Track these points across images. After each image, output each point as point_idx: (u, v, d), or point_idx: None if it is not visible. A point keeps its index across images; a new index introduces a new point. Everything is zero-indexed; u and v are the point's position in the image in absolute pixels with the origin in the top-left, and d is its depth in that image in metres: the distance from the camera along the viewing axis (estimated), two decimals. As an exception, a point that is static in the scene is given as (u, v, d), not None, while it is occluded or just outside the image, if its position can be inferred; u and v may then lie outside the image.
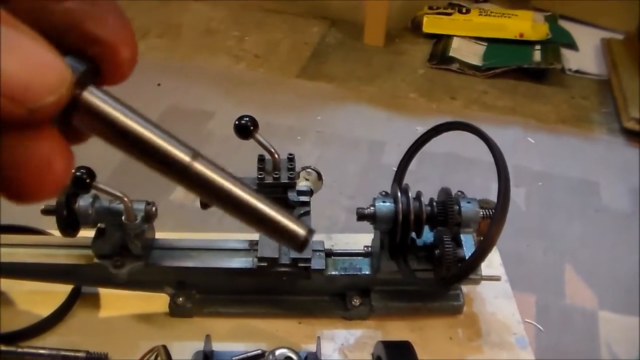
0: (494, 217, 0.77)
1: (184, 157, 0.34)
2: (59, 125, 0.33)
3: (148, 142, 0.33)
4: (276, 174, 0.85)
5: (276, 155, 0.84)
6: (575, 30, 1.98)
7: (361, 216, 0.85)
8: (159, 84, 1.57)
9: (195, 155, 0.34)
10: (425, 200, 0.86)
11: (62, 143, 0.31)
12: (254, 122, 0.80)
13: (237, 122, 0.79)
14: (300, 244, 0.36)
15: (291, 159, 0.88)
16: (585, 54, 1.89)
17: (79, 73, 0.31)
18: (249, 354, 0.82)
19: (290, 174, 0.85)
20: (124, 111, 0.33)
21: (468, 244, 0.86)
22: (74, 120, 0.33)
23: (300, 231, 0.36)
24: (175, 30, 1.88)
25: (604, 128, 1.55)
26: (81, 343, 0.87)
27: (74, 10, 0.31)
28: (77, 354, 0.85)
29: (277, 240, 0.37)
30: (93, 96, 0.32)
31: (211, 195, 0.35)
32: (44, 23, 0.30)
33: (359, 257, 0.94)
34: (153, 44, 1.80)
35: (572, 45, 1.91)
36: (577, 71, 1.79)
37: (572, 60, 1.83)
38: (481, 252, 0.79)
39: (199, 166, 0.34)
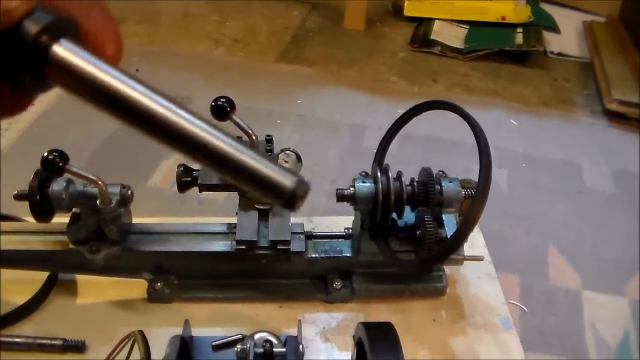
0: (476, 193, 0.76)
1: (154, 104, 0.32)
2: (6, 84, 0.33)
3: (123, 97, 0.32)
4: (254, 156, 0.83)
5: (254, 137, 0.82)
6: (557, 13, 1.98)
7: (341, 197, 0.84)
8: (137, 70, 1.55)
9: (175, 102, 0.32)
10: (406, 180, 0.85)
11: None
12: (230, 103, 0.78)
13: (213, 103, 0.78)
14: (287, 197, 0.31)
15: (269, 140, 0.86)
16: (567, 36, 1.88)
17: (45, 22, 0.32)
18: (228, 339, 0.81)
19: (269, 156, 0.84)
20: (99, 65, 0.33)
21: (450, 224, 0.85)
22: (49, 76, 0.33)
23: (286, 181, 0.31)
24: (153, 15, 1.86)
25: (587, 110, 1.54)
26: (58, 331, 0.85)
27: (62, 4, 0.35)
28: (53, 342, 0.84)
29: (260, 193, 0.32)
30: (64, 48, 0.32)
31: (182, 142, 0.32)
32: None
33: (340, 239, 0.92)
34: (131, 30, 1.77)
35: (554, 28, 1.91)
36: (559, 54, 1.78)
37: (554, 42, 1.83)
38: (462, 231, 0.78)
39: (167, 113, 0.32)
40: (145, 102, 0.32)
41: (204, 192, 0.88)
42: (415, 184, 0.85)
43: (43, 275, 0.92)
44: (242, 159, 0.31)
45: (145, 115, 0.32)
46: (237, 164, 0.31)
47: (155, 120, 0.32)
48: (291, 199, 0.31)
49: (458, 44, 1.77)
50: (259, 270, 0.92)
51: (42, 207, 0.82)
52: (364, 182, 0.84)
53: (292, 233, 0.89)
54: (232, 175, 0.32)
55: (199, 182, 0.86)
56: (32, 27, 0.31)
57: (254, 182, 0.31)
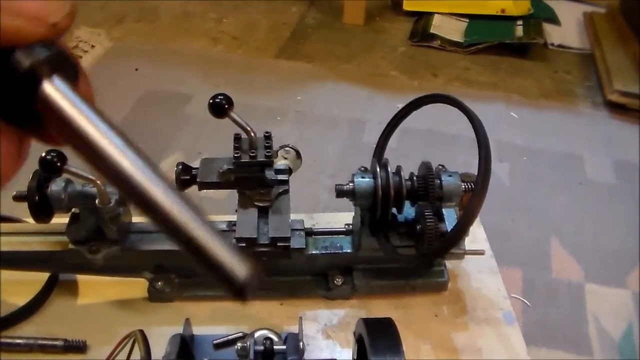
0: (475, 187, 0.76)
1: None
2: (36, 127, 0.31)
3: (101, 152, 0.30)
4: (253, 153, 0.83)
5: (252, 134, 0.82)
6: (557, 5, 1.97)
7: (340, 192, 0.84)
8: (136, 69, 1.55)
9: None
10: (405, 175, 0.84)
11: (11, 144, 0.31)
12: (228, 100, 0.77)
13: (211, 101, 0.77)
14: (237, 288, 0.29)
15: (268, 136, 0.86)
16: (567, 28, 1.88)
17: (41, 56, 0.30)
18: (229, 337, 0.81)
19: (267, 152, 0.83)
20: (83, 110, 0.30)
21: (450, 219, 0.85)
22: (43, 116, 0.31)
23: (239, 270, 0.29)
24: (152, 14, 1.85)
25: (588, 101, 1.54)
26: (59, 332, 0.85)
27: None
28: (54, 342, 0.83)
29: (209, 274, 0.30)
30: (52, 86, 0.30)
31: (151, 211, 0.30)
32: None
33: (340, 236, 0.92)
34: (130, 29, 1.77)
35: (554, 20, 1.90)
36: (559, 46, 1.78)
37: (554, 34, 1.82)
38: (463, 225, 0.77)
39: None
40: (116, 160, 0.30)
41: (204, 190, 0.88)
42: (414, 178, 0.85)
43: (44, 276, 0.92)
44: (196, 234, 0.29)
45: (114, 173, 0.30)
46: (190, 237, 0.29)
47: (123, 182, 0.30)
48: (241, 291, 0.29)
49: (458, 37, 1.76)
50: (259, 268, 0.91)
51: (41, 207, 0.81)
52: (363, 177, 0.84)
53: (292, 230, 0.88)
54: (182, 246, 0.30)
55: (198, 180, 0.85)
56: (28, 58, 0.30)
57: (204, 260, 0.29)
